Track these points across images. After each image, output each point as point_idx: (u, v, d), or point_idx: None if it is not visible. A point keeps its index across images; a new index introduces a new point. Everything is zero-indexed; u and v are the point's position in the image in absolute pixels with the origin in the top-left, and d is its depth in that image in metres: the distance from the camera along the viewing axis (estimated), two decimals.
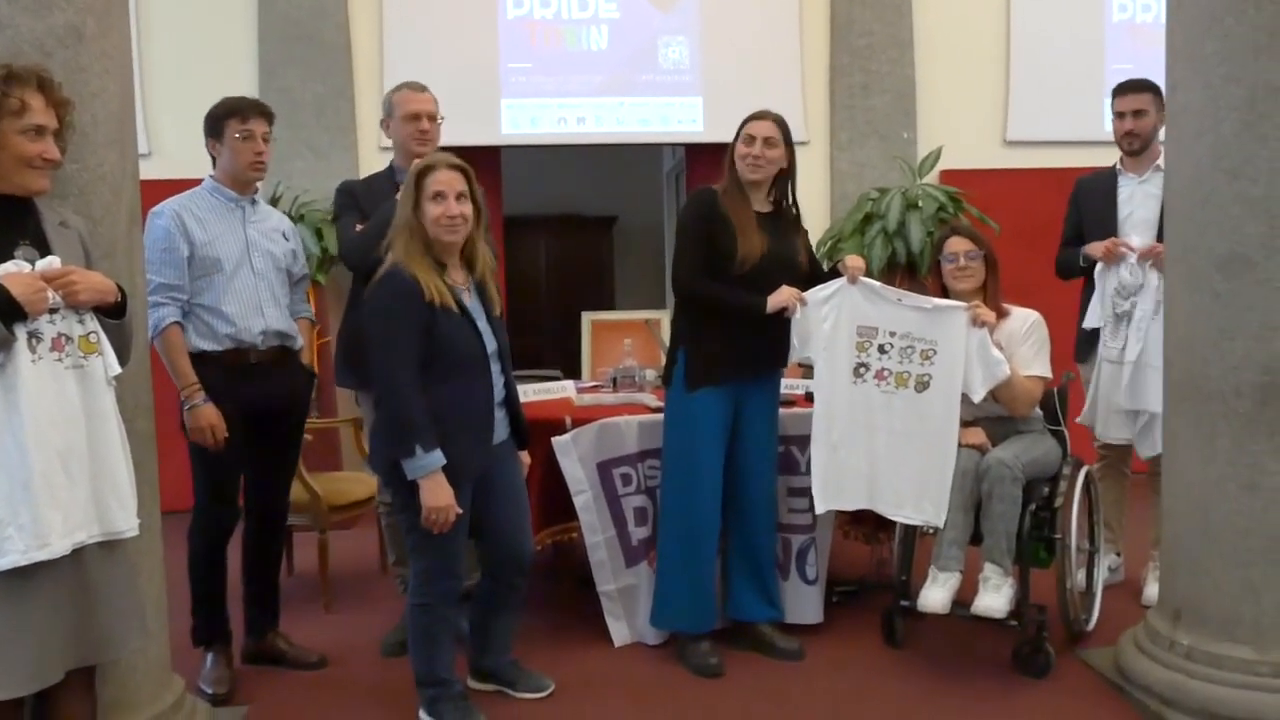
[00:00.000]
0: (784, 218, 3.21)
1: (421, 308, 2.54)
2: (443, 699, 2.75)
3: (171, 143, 5.10)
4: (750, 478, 3.21)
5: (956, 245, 3.24)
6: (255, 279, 3.03)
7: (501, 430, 2.79)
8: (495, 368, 2.71)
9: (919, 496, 3.04)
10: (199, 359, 2.94)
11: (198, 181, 3.10)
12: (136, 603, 2.12)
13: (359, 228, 3.14)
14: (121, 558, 2.06)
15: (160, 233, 2.92)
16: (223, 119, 3.01)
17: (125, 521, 2.03)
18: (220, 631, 3.11)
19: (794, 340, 3.11)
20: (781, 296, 3.04)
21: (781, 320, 3.08)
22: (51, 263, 1.96)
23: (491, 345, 2.71)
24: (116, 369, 2.03)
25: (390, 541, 3.46)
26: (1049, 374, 3.20)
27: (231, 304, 2.98)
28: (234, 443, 2.96)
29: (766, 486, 3.25)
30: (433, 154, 2.74)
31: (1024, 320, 3.21)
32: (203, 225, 2.98)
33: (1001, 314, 3.19)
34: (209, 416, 2.89)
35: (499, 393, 2.74)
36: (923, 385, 3.06)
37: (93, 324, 2.00)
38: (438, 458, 2.54)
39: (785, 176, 3.17)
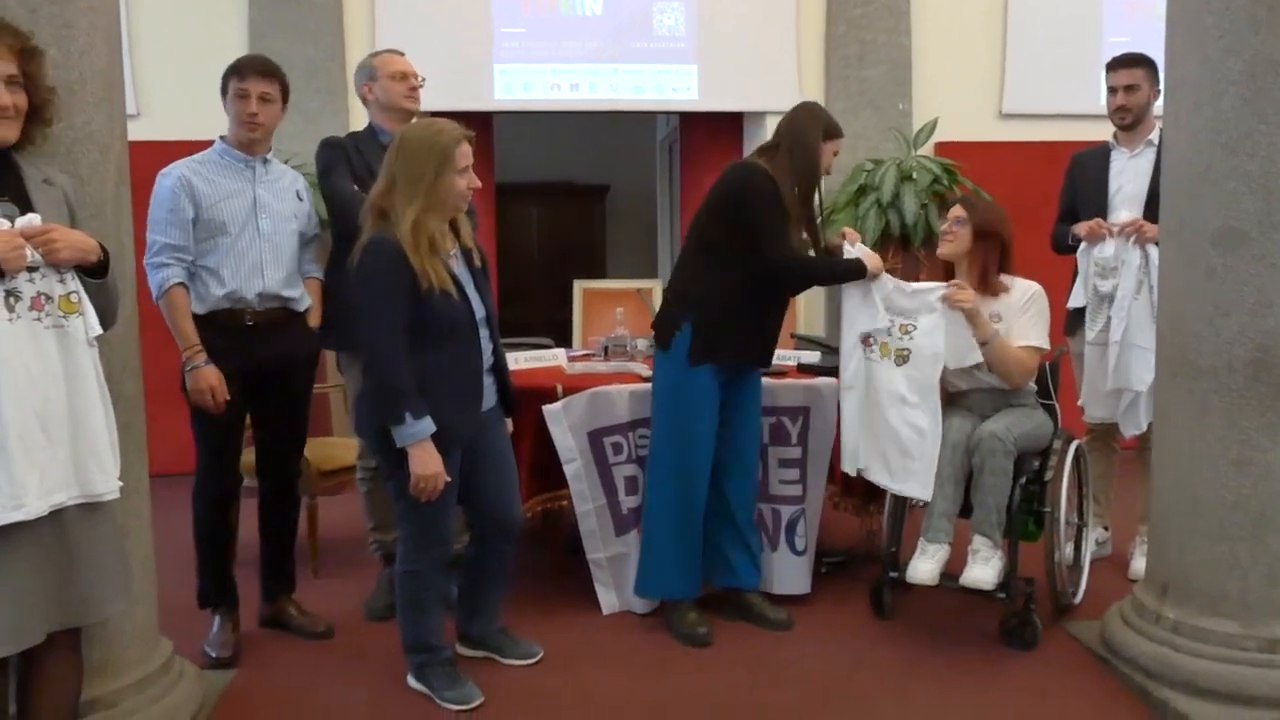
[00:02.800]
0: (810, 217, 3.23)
1: (409, 274, 2.51)
2: (431, 665, 2.76)
3: (160, 105, 5.04)
4: (741, 449, 3.21)
5: (951, 211, 3.29)
6: (260, 240, 2.99)
7: (490, 397, 2.77)
8: (483, 334, 2.69)
9: (904, 471, 3.05)
10: (195, 320, 2.91)
11: (187, 143, 3.07)
12: (120, 565, 2.10)
13: (356, 189, 3.07)
14: (104, 519, 2.04)
15: (166, 193, 2.91)
16: (227, 78, 3.02)
17: (105, 484, 2.00)
18: (226, 595, 3.10)
19: (845, 316, 3.18)
20: (876, 261, 3.15)
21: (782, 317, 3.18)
22: (32, 220, 1.91)
23: (480, 312, 2.68)
24: (97, 329, 1.99)
25: (369, 508, 3.42)
26: (1046, 345, 3.18)
27: (230, 266, 2.94)
28: (232, 405, 2.93)
29: (754, 458, 3.27)
30: (453, 123, 2.62)
31: (1024, 292, 3.20)
32: (212, 185, 2.95)
33: (1000, 288, 3.18)
34: (209, 378, 2.87)
35: (487, 359, 2.72)
36: (902, 359, 3.07)
37: (74, 283, 1.96)
38: (427, 425, 2.52)
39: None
